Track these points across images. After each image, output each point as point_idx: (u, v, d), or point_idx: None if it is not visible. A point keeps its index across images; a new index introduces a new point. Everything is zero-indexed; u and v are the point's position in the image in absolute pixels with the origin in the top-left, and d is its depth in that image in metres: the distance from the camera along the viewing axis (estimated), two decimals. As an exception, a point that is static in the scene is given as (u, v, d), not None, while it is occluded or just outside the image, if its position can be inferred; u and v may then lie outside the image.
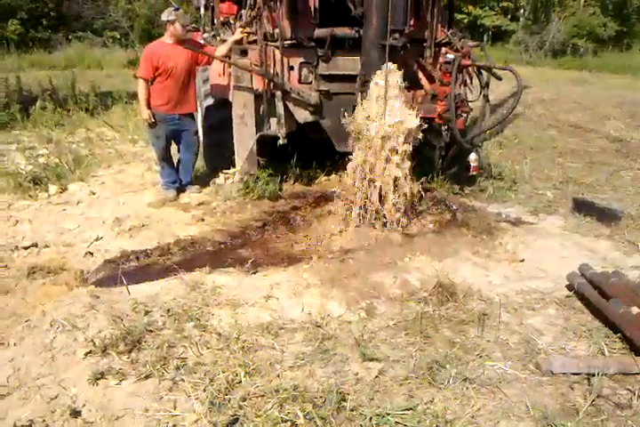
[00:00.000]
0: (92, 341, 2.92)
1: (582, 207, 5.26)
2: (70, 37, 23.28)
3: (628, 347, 3.09)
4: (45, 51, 21.23)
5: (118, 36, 23.79)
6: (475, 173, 5.65)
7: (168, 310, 3.33)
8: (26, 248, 4.61)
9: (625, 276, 3.71)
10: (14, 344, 3.05)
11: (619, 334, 3.16)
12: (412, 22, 5.01)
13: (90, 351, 2.90)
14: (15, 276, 4.17)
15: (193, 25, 8.57)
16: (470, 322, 3.30)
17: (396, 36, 4.69)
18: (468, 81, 5.53)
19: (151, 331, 3.10)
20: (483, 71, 5.34)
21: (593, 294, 3.48)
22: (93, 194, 5.76)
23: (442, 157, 5.90)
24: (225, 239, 4.64)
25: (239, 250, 4.48)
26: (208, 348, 2.98)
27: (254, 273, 3.92)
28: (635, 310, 3.19)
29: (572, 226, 4.94)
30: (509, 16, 27.57)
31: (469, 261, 4.15)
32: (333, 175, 6.23)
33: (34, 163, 6.58)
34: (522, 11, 27.20)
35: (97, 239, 4.70)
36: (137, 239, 4.66)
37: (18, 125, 8.69)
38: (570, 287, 3.74)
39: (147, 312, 3.31)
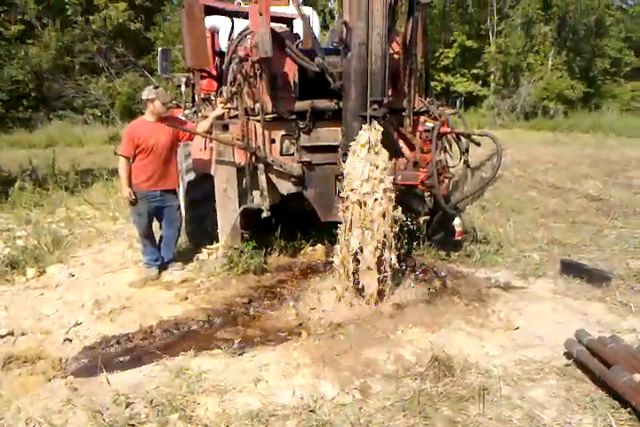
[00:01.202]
0: (69, 440, 2.72)
1: (571, 269, 5.21)
2: (51, 116, 23.66)
3: (635, 417, 2.95)
4: (26, 130, 21.49)
5: (99, 114, 24.23)
6: (460, 237, 5.63)
7: (151, 401, 3.15)
8: (1, 337, 4.40)
9: (622, 340, 3.60)
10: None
11: (624, 404, 3.02)
12: (390, 92, 5.12)
13: (66, 452, 2.69)
14: (-11, 366, 3.96)
15: (174, 101, 8.72)
16: (470, 398, 3.15)
17: (375, 106, 4.77)
18: (448, 147, 5.60)
19: (133, 425, 2.90)
20: (461, 137, 5.42)
21: (593, 362, 3.36)
22: (72, 276, 5.60)
23: (426, 223, 5.88)
24: (210, 318, 4.48)
25: (225, 329, 4.32)
26: (194, 442, 2.78)
27: (241, 354, 3.75)
28: (637, 377, 3.07)
29: (563, 289, 4.87)
30: (480, 82, 28.63)
31: (463, 331, 4.02)
32: (319, 245, 6.17)
33: (11, 245, 6.44)
34: (492, 76, 28.27)
35: (76, 324, 4.50)
36: (118, 323, 4.48)
37: (-5, 207, 8.60)
38: (568, 355, 3.62)
39: (128, 404, 3.12)
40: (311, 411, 3.05)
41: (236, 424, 2.93)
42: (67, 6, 24.91)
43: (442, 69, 28.24)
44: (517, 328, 4.06)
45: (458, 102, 27.27)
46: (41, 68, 24.15)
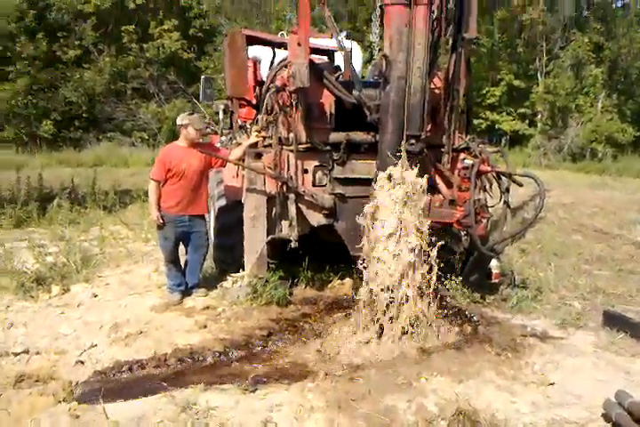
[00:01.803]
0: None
1: (614, 321, 4.86)
2: (101, 137, 24.34)
3: None
4: (75, 149, 22.11)
5: (147, 137, 24.84)
6: (496, 280, 5.39)
7: (152, 437, 2.97)
8: (16, 354, 4.34)
9: (668, 405, 3.27)
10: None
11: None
12: (429, 127, 4.97)
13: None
14: (1, 384, 3.86)
15: (211, 127, 8.78)
16: (496, 462, 2.87)
17: (413, 141, 4.62)
18: (488, 186, 5.40)
19: (128, 464, 2.73)
20: (503, 177, 5.22)
21: (635, 428, 3.04)
22: (95, 296, 5.54)
23: (462, 263, 5.63)
24: (226, 350, 4.31)
25: (240, 363, 4.14)
26: (191, 488, 2.58)
27: (253, 391, 3.56)
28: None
29: (605, 343, 4.53)
30: (527, 121, 28.25)
31: (493, 383, 3.72)
32: (347, 279, 5.97)
33: (40, 262, 6.43)
34: (539, 116, 27.87)
35: (91, 346, 4.41)
36: (133, 348, 4.36)
37: (33, 223, 8.68)
38: (606, 418, 3.31)
39: (128, 439, 2.95)
40: (320, 462, 2.82)
41: (237, 471, 2.72)
42: (122, 34, 25.85)
43: (487, 107, 27.97)
44: (552, 384, 3.74)
45: (503, 140, 26.90)
46: (94, 91, 24.98)
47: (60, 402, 3.66)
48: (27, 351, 4.36)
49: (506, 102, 28.14)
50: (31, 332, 4.73)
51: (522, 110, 27.96)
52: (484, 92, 27.63)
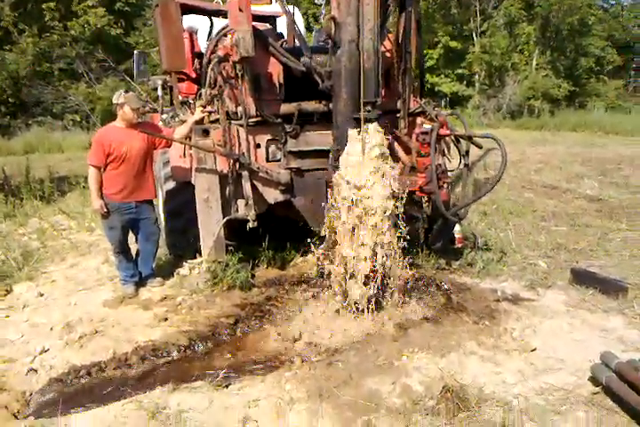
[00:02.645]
0: None
1: (582, 278, 4.85)
2: (30, 122, 23.06)
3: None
4: (4, 137, 20.88)
5: (79, 119, 23.65)
6: (460, 245, 5.29)
7: (122, 451, 2.71)
8: (-40, 365, 3.95)
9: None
10: None
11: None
12: (382, 93, 4.73)
13: None
14: (-56, 399, 3.51)
15: (150, 106, 8.28)
16: (491, 439, 2.75)
17: (369, 108, 4.38)
18: (446, 150, 5.24)
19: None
20: (460, 139, 5.06)
21: (625, 391, 2.97)
22: (42, 295, 5.12)
23: (425, 230, 5.49)
24: (192, 343, 4.04)
25: (208, 356, 3.89)
26: None
27: (227, 386, 3.32)
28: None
29: (576, 301, 4.50)
30: (465, 82, 28.39)
31: (475, 354, 3.60)
32: (310, 256, 5.72)
33: (-23, 261, 5.95)
34: (477, 76, 28.05)
35: (42, 352, 4.04)
36: (89, 349, 4.01)
37: (-36, 219, 8.07)
38: (594, 381, 3.24)
39: (95, 456, 2.68)
40: (309, 460, 2.63)
41: (220, 479, 2.50)
42: (44, 12, 24.30)
43: (426, 70, 27.91)
44: (534, 350, 3.65)
45: (443, 102, 26.99)
46: (18, 74, 23.50)
47: (14, 416, 3.37)
48: (-29, 362, 3.98)
49: (444, 64, 28.16)
50: (-26, 340, 4.33)
51: (459, 71, 28.06)
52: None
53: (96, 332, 4.27)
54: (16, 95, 23.99)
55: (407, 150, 5.14)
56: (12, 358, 4.01)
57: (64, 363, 3.84)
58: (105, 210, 4.86)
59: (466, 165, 5.19)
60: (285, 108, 4.92)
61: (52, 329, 4.40)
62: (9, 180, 10.15)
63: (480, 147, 5.14)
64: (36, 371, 3.81)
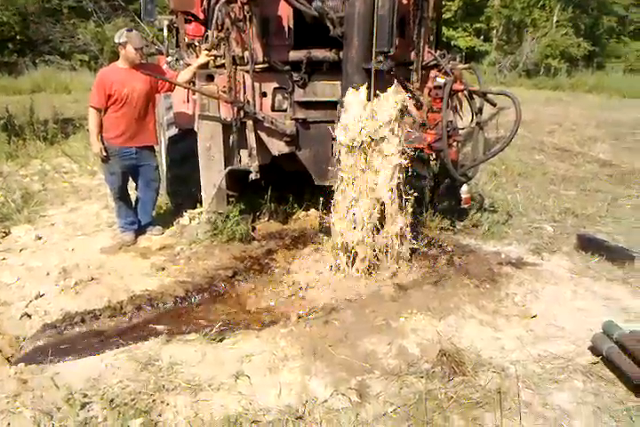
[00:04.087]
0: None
1: (588, 245, 4.75)
2: (37, 61, 22.58)
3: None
4: (11, 75, 20.50)
5: (87, 60, 23.16)
6: (466, 205, 5.15)
7: (111, 401, 2.68)
8: (-47, 307, 3.92)
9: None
10: None
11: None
12: (396, 43, 4.51)
13: (3, 467, 2.24)
14: (-63, 339, 3.50)
15: (156, 47, 8.00)
16: (485, 404, 2.70)
17: (381, 58, 4.17)
18: (458, 106, 5.04)
19: (86, 433, 2.45)
20: (474, 96, 4.85)
21: (625, 362, 2.91)
22: (40, 239, 5.06)
23: (431, 189, 5.36)
24: (188, 294, 4.00)
25: (204, 308, 3.86)
26: (158, 457, 2.33)
27: (221, 340, 3.27)
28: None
29: (581, 268, 4.41)
30: (482, 37, 27.57)
31: (474, 318, 3.54)
32: (312, 211, 5.64)
33: (-24, 200, 5.87)
34: (494, 32, 27.20)
35: (37, 297, 4.00)
36: (84, 296, 3.98)
37: (-34, 157, 7.94)
38: (594, 350, 3.18)
39: (84, 405, 2.64)
40: (299, 417, 2.59)
41: (209, 434, 2.48)
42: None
43: (443, 23, 27.04)
44: (535, 316, 3.59)
45: (458, 58, 26.25)
46: (27, 10, 22.85)
47: (7, 360, 3.36)
48: (-34, 304, 3.95)
49: (461, 17, 27.25)
50: (-32, 281, 4.29)
51: (477, 25, 27.18)
52: (440, 6, 26.56)
53: (92, 279, 4.22)
54: (24, 32, 23.39)
55: (418, 106, 4.94)
56: (7, 302, 3.98)
57: (58, 309, 3.81)
58: (104, 154, 4.73)
59: (478, 124, 4.99)
60: (294, 54, 4.68)
61: (48, 274, 4.35)
62: (13, 119, 9.96)
63: (494, 105, 4.95)
64: (29, 316, 3.79)
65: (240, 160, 4.95)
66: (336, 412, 2.65)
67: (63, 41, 23.34)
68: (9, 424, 2.50)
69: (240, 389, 2.83)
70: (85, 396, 2.71)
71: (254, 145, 4.86)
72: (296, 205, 5.71)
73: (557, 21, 26.41)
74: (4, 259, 4.67)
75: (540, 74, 24.54)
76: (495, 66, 24.99)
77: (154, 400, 2.69)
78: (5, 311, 3.85)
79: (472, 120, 4.95)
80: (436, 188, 5.35)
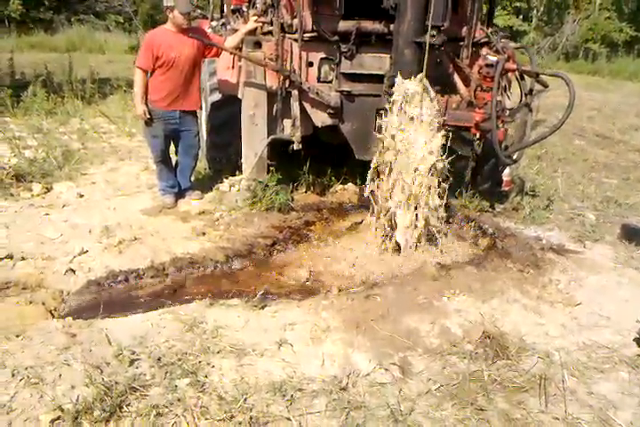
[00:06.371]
0: (60, 406, 2.30)
1: (632, 235, 4.66)
2: (72, 20, 22.53)
3: None
4: (47, 33, 20.52)
5: (122, 21, 23.08)
6: (507, 188, 5.07)
7: (159, 359, 2.72)
8: None
9: None
10: (-35, 400, 2.43)
11: None
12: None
13: (58, 418, 2.29)
14: (-14, 291, 3.56)
15: (200, 11, 7.92)
16: (529, 389, 2.70)
17: (434, 32, 4.08)
18: (507, 87, 4.93)
19: (136, 389, 2.49)
20: (525, 76, 4.73)
21: (672, 356, 2.88)
22: (81, 196, 5.12)
23: (472, 170, 5.28)
24: (228, 260, 4.02)
25: (245, 275, 3.88)
26: (206, 418, 2.36)
27: (262, 308, 3.29)
28: None
29: (625, 258, 4.33)
30: (521, 16, 26.84)
31: (518, 303, 3.51)
32: (350, 184, 5.62)
33: (19, 155, 5.91)
34: (535, 11, 26.45)
35: (81, 253, 4.06)
36: (127, 255, 4.02)
37: (7, 113, 7.98)
38: (640, 343, 3.15)
39: (132, 361, 2.69)
40: (343, 389, 2.61)
41: (255, 398, 2.51)
42: None
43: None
44: (579, 304, 3.55)
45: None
46: (63, -33, 22.75)
47: (50, 313, 3.42)
48: (11, 256, 4.00)
49: (501, -5, 26.52)
50: (14, 235, 4.34)
51: (517, 4, 26.43)
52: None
53: (135, 239, 4.26)
54: (60, -11, 23.33)
55: (467, 83, 4.84)
56: (51, 257, 4.03)
57: (102, 266, 3.86)
58: (147, 116, 4.72)
59: (527, 105, 4.87)
60: (343, 25, 4.58)
61: (90, 232, 4.41)
62: (51, 77, 9.99)
63: (546, 86, 4.80)
64: (74, 271, 3.84)
65: (283, 130, 4.92)
66: (379, 386, 2.66)
67: (98, 1, 23.25)
68: (60, 376, 2.55)
69: (283, 356, 2.85)
70: (133, 353, 2.76)
71: (298, 115, 4.81)
72: (334, 179, 5.68)
73: (600, 4, 25.59)
74: (47, 214, 4.73)
75: (579, 58, 23.89)
76: (534, 47, 24.38)
77: (200, 362, 2.73)
78: (49, 266, 3.91)
79: (520, 101, 4.83)
80: (477, 169, 5.27)
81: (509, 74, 4.81)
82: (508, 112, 4.78)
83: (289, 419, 2.40)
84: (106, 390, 2.42)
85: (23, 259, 4.00)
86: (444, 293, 3.52)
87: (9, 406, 2.36)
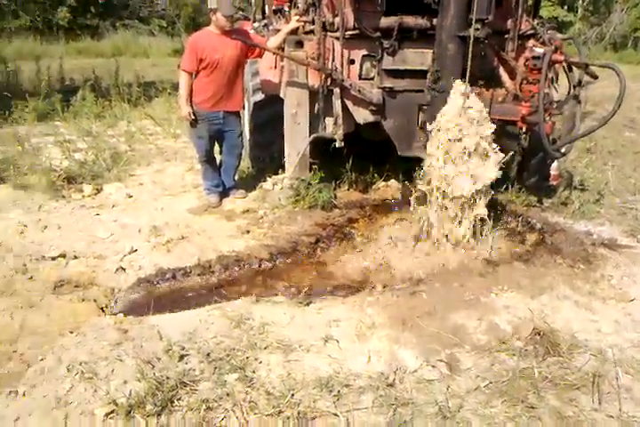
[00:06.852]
0: (114, 400, 2.37)
1: (688, 230, 4.50)
2: (117, 25, 23.11)
3: None
4: (93, 39, 21.11)
5: (165, 25, 23.58)
6: (555, 182, 4.95)
7: (208, 355, 2.77)
8: (53, 258, 4.13)
9: None
10: (23, 394, 2.52)
11: None
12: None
13: (112, 412, 2.35)
14: (40, 289, 3.71)
15: (242, 13, 8.01)
16: (582, 386, 2.63)
17: (478, 26, 4.01)
18: (555, 79, 4.82)
19: (186, 384, 2.54)
20: (573, 68, 4.62)
21: None
22: (130, 197, 5.26)
23: (518, 164, 5.18)
24: (273, 257, 4.07)
25: (289, 272, 3.92)
26: (255, 413, 2.39)
27: (308, 305, 3.32)
28: None
29: (680, 254, 4.18)
30: (566, 7, 26.17)
31: (569, 299, 3.43)
32: (393, 181, 5.59)
33: (70, 158, 6.10)
34: (581, 1, 25.76)
35: (131, 252, 4.17)
36: (175, 254, 4.12)
37: (57, 116, 8.24)
38: (698, 341, 3.03)
39: (182, 356, 2.75)
40: (389, 385, 2.61)
41: (302, 393, 2.52)
42: None
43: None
44: (633, 300, 3.44)
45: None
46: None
47: (102, 310, 3.53)
48: (64, 255, 4.15)
49: (546, -15, 25.92)
50: (66, 234, 4.49)
51: (563, -7, 25.81)
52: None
53: (182, 237, 4.36)
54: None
55: (513, 76, 4.75)
56: (102, 256, 4.16)
57: (151, 264, 3.96)
58: (192, 118, 4.80)
59: (575, 97, 4.75)
60: (385, 21, 4.54)
61: (139, 231, 4.53)
62: (99, 81, 10.26)
63: (595, 77, 4.66)
64: (124, 270, 3.95)
65: (325, 128, 4.93)
66: (426, 382, 2.64)
67: (142, 6, 23.78)
68: (113, 371, 2.62)
69: (329, 352, 2.86)
70: (183, 348, 2.81)
71: (340, 113, 4.81)
72: (376, 176, 5.67)
73: (650, -8, 24.77)
74: (97, 214, 4.88)
75: (628, 47, 23.16)
76: (580, 37, 23.74)
77: (247, 357, 2.76)
78: (101, 264, 4.04)
79: (569, 93, 4.72)
80: (523, 163, 5.17)
81: (556, 65, 4.70)
82: (555, 105, 4.68)
83: (336, 415, 2.41)
84: (157, 385, 2.48)
85: (75, 258, 4.14)
86: (491, 289, 3.47)
87: (65, 400, 2.45)
